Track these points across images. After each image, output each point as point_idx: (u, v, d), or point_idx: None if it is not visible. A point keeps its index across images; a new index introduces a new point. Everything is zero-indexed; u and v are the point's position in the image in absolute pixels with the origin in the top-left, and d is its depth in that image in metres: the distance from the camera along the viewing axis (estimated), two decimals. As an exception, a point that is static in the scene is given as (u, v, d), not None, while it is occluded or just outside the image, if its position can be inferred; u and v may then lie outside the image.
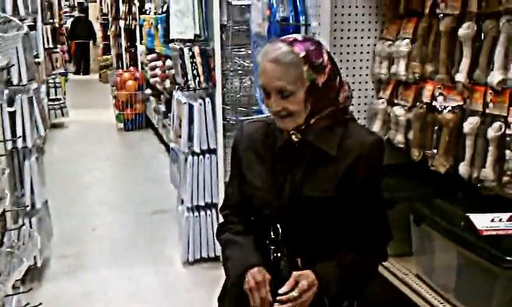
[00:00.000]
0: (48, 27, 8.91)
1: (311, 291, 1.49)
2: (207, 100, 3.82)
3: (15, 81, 3.54)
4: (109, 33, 13.34)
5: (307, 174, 1.56)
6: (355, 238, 1.59)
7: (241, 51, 3.72)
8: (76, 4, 17.43)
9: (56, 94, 8.80)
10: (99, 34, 16.36)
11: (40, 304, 2.44)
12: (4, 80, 3.55)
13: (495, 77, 1.74)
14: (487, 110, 1.81)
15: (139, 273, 3.89)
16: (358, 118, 2.42)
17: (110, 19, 12.75)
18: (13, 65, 2.94)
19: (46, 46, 8.37)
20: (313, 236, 1.58)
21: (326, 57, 1.54)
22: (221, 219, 1.80)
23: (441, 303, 1.81)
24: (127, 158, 7.29)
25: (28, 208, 3.51)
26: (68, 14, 17.06)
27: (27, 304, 2.36)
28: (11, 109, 3.08)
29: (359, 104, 2.42)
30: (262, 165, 1.64)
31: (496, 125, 1.75)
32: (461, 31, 1.86)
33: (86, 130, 8.92)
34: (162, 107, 7.40)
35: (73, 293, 3.62)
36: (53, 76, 8.91)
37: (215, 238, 1.85)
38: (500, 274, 1.54)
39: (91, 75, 15.83)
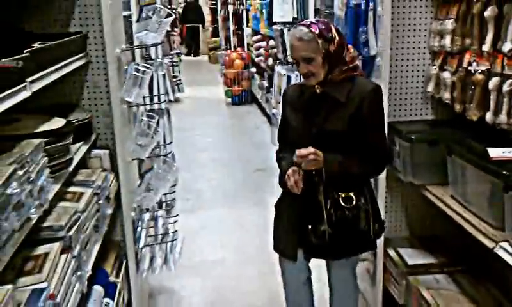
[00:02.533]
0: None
1: (315, 156, 2.21)
2: (303, 72, 4.60)
3: (153, 56, 4.52)
4: (218, 17, 14.41)
5: (327, 115, 2.30)
6: (363, 156, 2.30)
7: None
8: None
9: (173, 72, 9.94)
10: (208, 18, 17.50)
11: (177, 214, 3.39)
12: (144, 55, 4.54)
13: (507, 46, 2.37)
14: (504, 72, 2.43)
15: (245, 213, 4.80)
16: (417, 81, 3.09)
17: (219, 4, 13.79)
18: (162, 42, 3.83)
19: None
20: None
21: (334, 32, 2.26)
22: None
23: (464, 210, 2.47)
24: (235, 127, 8.27)
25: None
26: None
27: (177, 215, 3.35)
28: (162, 72, 3.92)
29: (418, 70, 3.07)
30: (297, 112, 2.41)
31: (509, 81, 2.38)
32: (487, 13, 2.49)
33: (199, 104, 10.04)
34: (265, 83, 8.27)
35: (194, 225, 4.59)
36: (171, 56, 10.06)
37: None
38: (496, 183, 2.20)
39: (201, 56, 17.05)
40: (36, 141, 1.83)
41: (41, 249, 1.83)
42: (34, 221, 1.67)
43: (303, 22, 2.32)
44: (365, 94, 2.27)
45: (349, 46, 2.38)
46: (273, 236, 2.56)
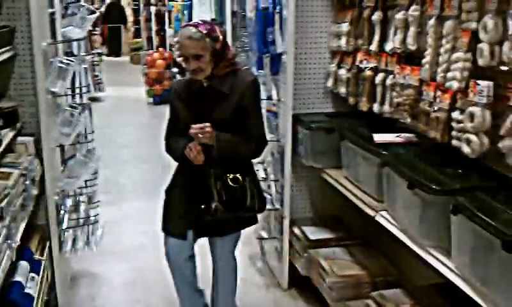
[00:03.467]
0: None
1: (208, 130, 2.47)
2: (220, 70, 4.91)
3: (76, 51, 4.67)
4: (140, 18, 14.46)
5: (214, 105, 2.58)
6: (247, 140, 2.61)
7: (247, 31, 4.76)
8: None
9: (94, 71, 9.97)
10: (130, 18, 17.44)
11: (99, 200, 3.59)
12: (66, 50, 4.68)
13: (389, 46, 2.78)
14: (387, 68, 2.84)
15: (165, 203, 5.01)
16: (319, 78, 3.47)
17: (141, 5, 13.86)
18: (85, 38, 4.00)
19: (86, 28, 9.53)
20: None
21: (218, 32, 2.54)
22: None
23: (355, 187, 2.87)
24: (155, 126, 8.37)
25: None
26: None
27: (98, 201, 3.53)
28: (85, 66, 4.07)
29: (319, 68, 3.45)
30: (186, 105, 2.65)
31: (390, 76, 2.79)
32: (374, 17, 2.89)
33: (120, 103, 10.12)
34: (187, 83, 8.51)
35: (115, 216, 4.77)
36: (92, 55, 10.07)
37: (166, 153, 2.85)
38: (377, 162, 2.60)
39: (123, 57, 16.95)
40: (-32, 121, 2.02)
41: (-26, 218, 2.02)
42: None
43: (191, 23, 2.61)
44: (245, 86, 2.59)
45: (229, 45, 2.69)
46: (162, 217, 2.84)
